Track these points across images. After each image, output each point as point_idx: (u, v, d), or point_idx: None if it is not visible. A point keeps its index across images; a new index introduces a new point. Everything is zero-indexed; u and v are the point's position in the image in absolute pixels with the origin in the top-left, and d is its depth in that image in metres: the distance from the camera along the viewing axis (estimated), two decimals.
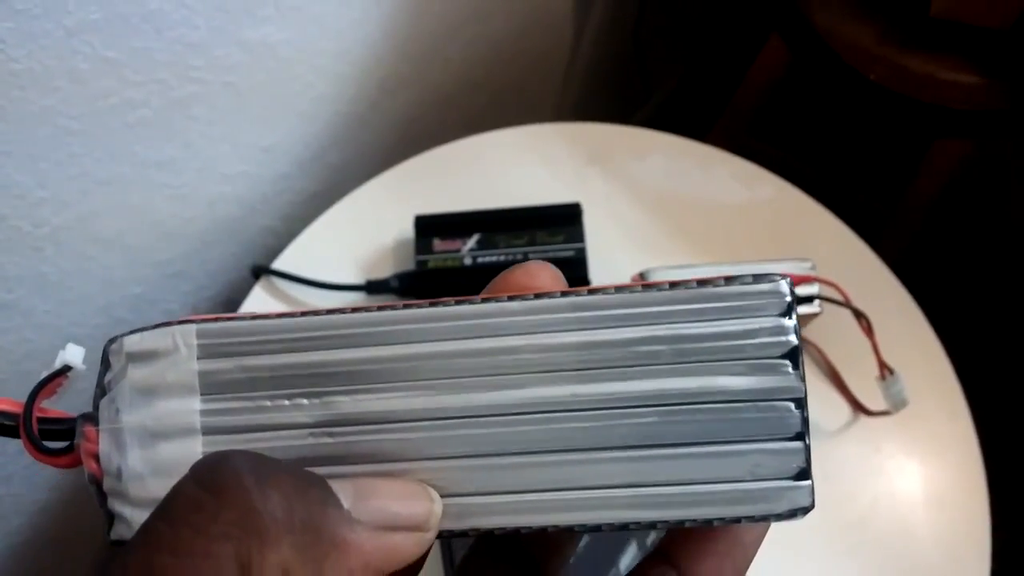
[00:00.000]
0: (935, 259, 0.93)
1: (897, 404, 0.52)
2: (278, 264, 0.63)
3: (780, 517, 0.19)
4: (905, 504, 0.55)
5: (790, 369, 0.19)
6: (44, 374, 0.20)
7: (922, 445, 0.57)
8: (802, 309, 0.52)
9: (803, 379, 0.19)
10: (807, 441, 0.19)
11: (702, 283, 0.19)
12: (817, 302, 0.52)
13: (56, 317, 0.59)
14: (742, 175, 0.67)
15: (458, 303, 0.19)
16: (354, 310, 0.20)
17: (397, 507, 0.18)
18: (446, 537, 0.19)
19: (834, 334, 0.57)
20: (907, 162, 0.84)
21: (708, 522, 0.19)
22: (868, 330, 0.51)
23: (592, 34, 0.96)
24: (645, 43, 1.12)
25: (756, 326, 0.19)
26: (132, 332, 0.20)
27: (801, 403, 0.19)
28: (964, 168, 0.81)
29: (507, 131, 0.70)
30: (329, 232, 0.65)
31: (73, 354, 0.20)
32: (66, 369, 0.20)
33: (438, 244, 0.61)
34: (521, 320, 0.19)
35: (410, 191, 0.66)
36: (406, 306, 0.19)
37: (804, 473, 0.19)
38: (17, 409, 0.20)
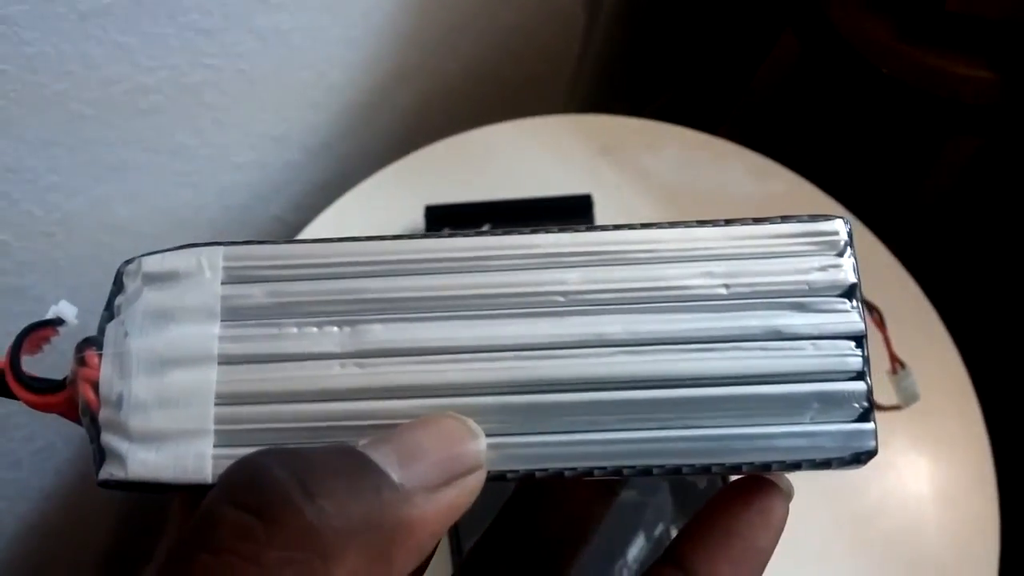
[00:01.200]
0: (947, 254, 0.92)
1: (908, 398, 0.52)
2: None
3: (843, 463, 0.18)
4: (914, 499, 0.55)
5: (849, 307, 0.18)
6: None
7: (932, 440, 0.56)
8: None
9: (863, 317, 0.18)
10: (869, 381, 0.18)
11: (758, 220, 0.19)
12: None
13: (66, 304, 0.59)
14: (754, 168, 0.67)
15: (506, 233, 0.19)
16: (396, 237, 0.19)
17: (446, 457, 0.17)
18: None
19: None
20: (920, 157, 0.84)
21: (766, 467, 0.18)
22: (880, 323, 0.51)
23: (604, 26, 0.96)
24: (657, 35, 1.11)
25: (813, 264, 0.18)
26: (152, 252, 0.19)
27: (861, 341, 0.18)
28: (978, 164, 0.80)
29: (518, 122, 0.69)
30: (339, 222, 0.65)
31: (66, 309, 0.19)
32: (58, 322, 0.19)
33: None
34: (571, 252, 0.18)
35: (421, 181, 0.66)
36: (451, 234, 0.19)
37: (867, 415, 0.18)
38: None
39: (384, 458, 0.16)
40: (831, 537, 0.53)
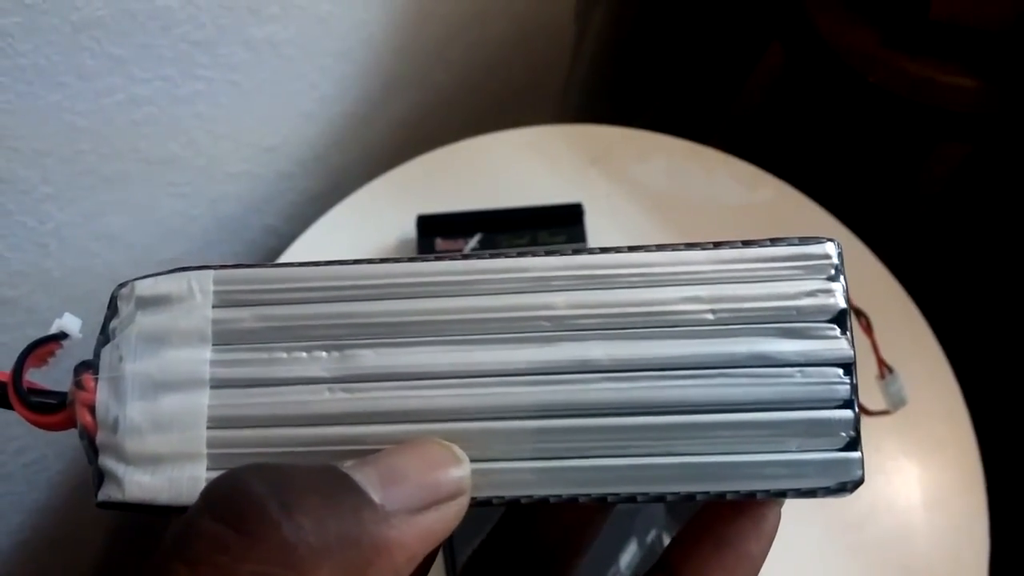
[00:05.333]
0: (934, 260, 0.93)
1: (896, 403, 0.53)
2: None
3: (828, 492, 0.18)
4: (903, 504, 0.55)
5: (838, 333, 0.18)
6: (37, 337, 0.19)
7: (921, 445, 0.57)
8: None
9: (852, 344, 0.18)
10: (856, 410, 0.18)
11: (747, 243, 0.19)
12: None
13: (59, 314, 0.59)
14: (743, 177, 0.67)
15: (493, 256, 0.19)
16: (383, 260, 0.19)
17: (428, 482, 0.17)
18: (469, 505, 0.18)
19: None
20: (907, 165, 0.84)
21: (751, 495, 0.18)
22: (867, 329, 0.51)
23: (594, 36, 0.96)
24: (646, 46, 1.12)
25: (802, 289, 0.18)
26: (145, 276, 0.19)
27: (850, 369, 0.18)
28: (963, 171, 0.81)
29: (509, 132, 0.70)
30: (331, 232, 0.65)
31: (70, 322, 0.19)
32: (61, 336, 0.19)
33: (440, 244, 0.61)
34: (557, 275, 0.18)
35: (412, 191, 0.67)
36: (437, 258, 0.19)
37: (854, 444, 0.18)
38: (1, 376, 0.19)
39: (366, 479, 0.16)
40: (821, 543, 0.53)
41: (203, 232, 0.66)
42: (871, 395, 0.55)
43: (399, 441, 0.18)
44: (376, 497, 0.16)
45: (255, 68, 0.59)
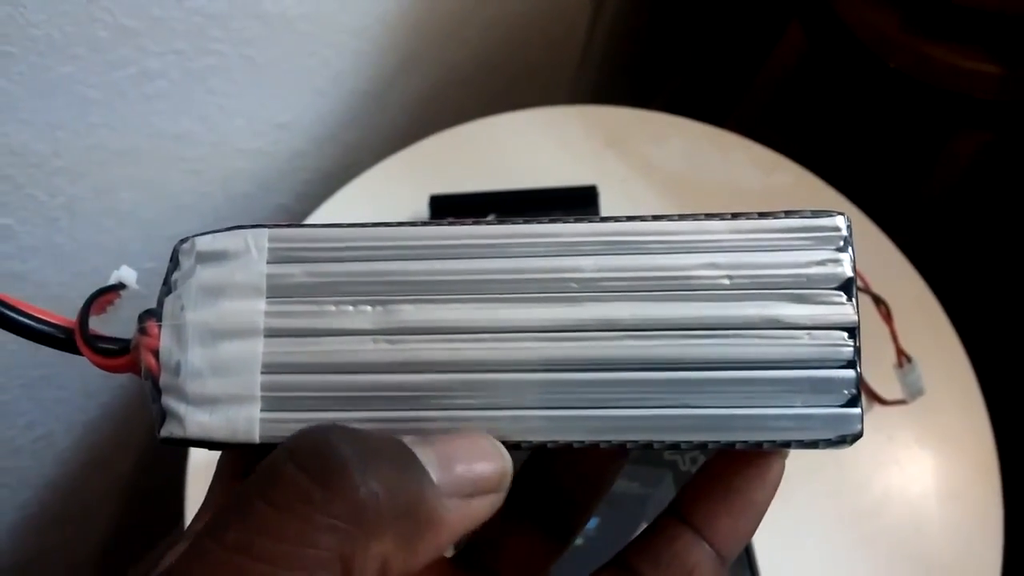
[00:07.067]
0: (952, 249, 0.92)
1: (914, 392, 0.52)
2: None
3: (829, 443, 0.19)
4: (917, 494, 0.55)
5: (844, 300, 0.19)
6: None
7: (936, 436, 0.56)
8: None
9: (856, 310, 0.19)
10: (858, 370, 0.19)
11: (763, 215, 0.20)
12: None
13: (70, 289, 0.59)
14: (760, 161, 0.67)
15: (526, 222, 0.20)
16: (424, 224, 0.20)
17: (478, 471, 0.18)
18: None
19: None
20: (926, 151, 0.84)
21: (759, 445, 0.19)
22: (887, 317, 0.51)
23: (610, 17, 0.96)
24: (664, 27, 1.11)
25: (813, 258, 0.19)
26: (205, 233, 0.20)
27: (854, 333, 0.19)
28: (984, 158, 0.80)
29: (524, 112, 0.69)
30: (343, 211, 0.65)
31: (127, 274, 0.21)
32: (120, 286, 0.20)
33: None
34: (586, 241, 0.20)
35: (425, 171, 0.66)
36: (475, 222, 0.20)
37: (854, 401, 0.19)
38: (68, 323, 0.20)
39: (426, 457, 0.17)
40: (835, 532, 0.53)
41: (214, 210, 0.66)
42: (888, 384, 0.54)
43: (438, 390, 0.19)
44: (435, 477, 0.17)
45: (268, 43, 0.58)
